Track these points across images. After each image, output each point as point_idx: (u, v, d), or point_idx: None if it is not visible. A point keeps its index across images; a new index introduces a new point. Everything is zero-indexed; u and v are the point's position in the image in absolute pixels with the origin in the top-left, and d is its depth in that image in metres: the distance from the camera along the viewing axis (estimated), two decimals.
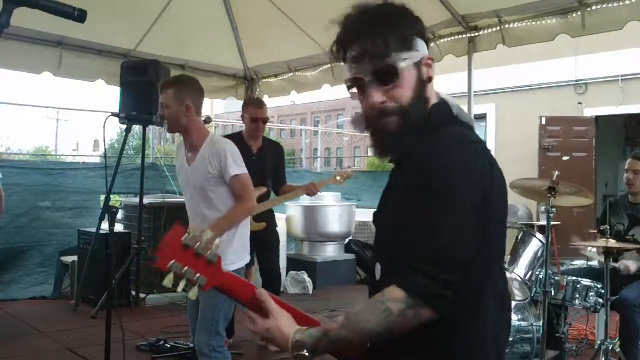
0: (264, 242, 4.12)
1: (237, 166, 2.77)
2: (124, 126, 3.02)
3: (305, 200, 7.11)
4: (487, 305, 1.23)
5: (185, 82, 2.88)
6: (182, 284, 1.27)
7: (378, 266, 1.28)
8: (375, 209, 1.36)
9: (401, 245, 1.16)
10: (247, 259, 2.94)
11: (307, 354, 1.19)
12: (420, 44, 1.26)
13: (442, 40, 4.83)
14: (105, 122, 2.95)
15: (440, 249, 1.11)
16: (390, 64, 1.21)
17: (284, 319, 1.25)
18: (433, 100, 1.28)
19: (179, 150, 2.99)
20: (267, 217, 4.21)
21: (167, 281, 1.26)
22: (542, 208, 7.28)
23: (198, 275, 1.26)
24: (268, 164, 4.22)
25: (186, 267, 1.26)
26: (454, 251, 1.11)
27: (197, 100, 2.84)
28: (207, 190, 2.78)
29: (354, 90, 1.27)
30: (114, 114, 3.10)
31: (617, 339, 3.45)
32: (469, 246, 1.13)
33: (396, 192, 1.26)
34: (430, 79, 1.27)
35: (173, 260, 1.26)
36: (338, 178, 4.46)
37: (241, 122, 4.35)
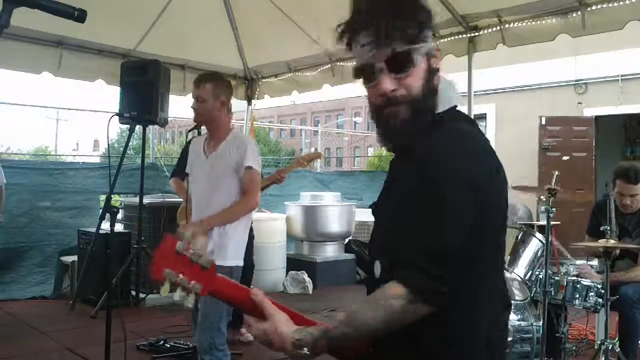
0: None
1: (254, 160, 2.87)
2: (124, 126, 3.05)
3: (305, 200, 7.12)
4: (480, 308, 1.23)
5: (222, 79, 3.02)
6: (178, 294, 1.26)
7: (378, 264, 1.27)
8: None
9: (402, 241, 1.16)
10: (242, 261, 2.95)
11: (307, 352, 1.17)
12: (429, 34, 1.23)
13: (442, 40, 4.82)
14: (109, 122, 2.97)
15: (438, 246, 1.12)
16: (406, 51, 1.18)
17: (281, 319, 1.22)
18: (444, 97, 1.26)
19: (193, 148, 3.09)
20: None
21: (164, 290, 1.26)
22: (542, 208, 7.27)
23: (193, 282, 1.26)
24: None
25: (181, 275, 1.25)
26: (448, 249, 1.12)
27: (229, 97, 2.99)
28: (222, 181, 2.85)
29: (361, 78, 1.24)
30: (117, 114, 3.12)
31: (616, 339, 3.45)
32: (462, 245, 1.13)
33: (397, 186, 1.26)
34: (437, 69, 1.24)
35: (167, 269, 1.26)
36: (302, 161, 4.38)
37: (241, 121, 4.38)
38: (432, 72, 1.22)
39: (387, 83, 1.19)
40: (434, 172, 1.13)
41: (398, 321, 1.14)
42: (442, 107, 1.24)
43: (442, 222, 1.13)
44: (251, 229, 4.39)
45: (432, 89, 1.22)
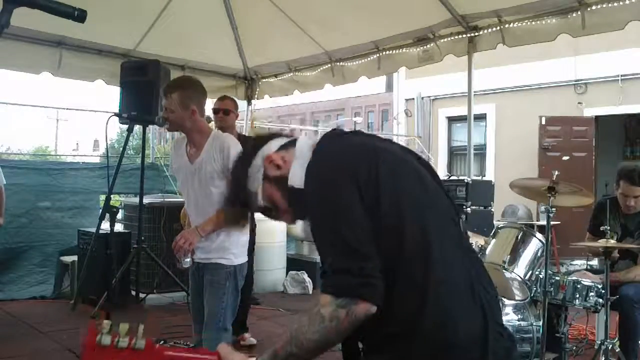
0: None
1: None
2: (124, 126, 3.03)
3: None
4: (446, 267, 1.26)
5: (190, 86, 2.86)
6: None
7: None
8: None
9: (320, 257, 1.29)
10: (247, 257, 2.96)
11: None
12: (258, 156, 1.44)
13: (442, 40, 4.82)
14: (107, 122, 2.95)
15: (339, 246, 1.20)
16: (259, 208, 1.46)
17: (236, 357, 1.32)
18: (303, 158, 1.40)
19: (176, 150, 2.99)
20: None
21: None
22: (542, 208, 7.27)
23: None
24: None
25: None
26: (351, 244, 1.19)
27: (201, 103, 2.85)
28: (211, 186, 2.80)
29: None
30: (116, 114, 3.10)
31: (616, 339, 3.45)
32: (360, 233, 1.20)
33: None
34: (279, 166, 1.41)
35: None
36: None
37: (241, 121, 4.39)
38: (275, 178, 1.42)
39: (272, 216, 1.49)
40: (309, 190, 1.31)
41: (335, 330, 1.18)
42: (300, 163, 1.39)
43: (335, 224, 1.22)
44: (253, 231, 4.39)
45: (286, 185, 1.40)
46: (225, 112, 4.27)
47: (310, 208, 1.30)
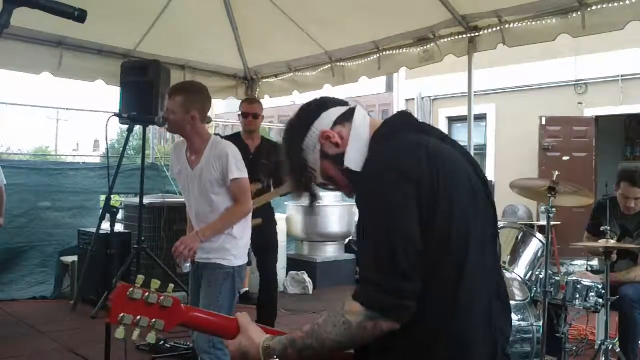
0: (261, 241, 4.08)
1: (237, 170, 2.81)
2: (124, 126, 3.03)
3: (305, 200, 7.12)
4: (470, 296, 1.22)
5: (194, 92, 2.86)
6: (135, 333, 1.29)
7: None
8: None
9: (361, 258, 1.26)
10: (247, 258, 2.98)
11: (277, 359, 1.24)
12: (312, 131, 1.39)
13: (442, 40, 4.82)
14: (107, 122, 2.95)
15: (384, 256, 1.16)
16: (306, 184, 1.45)
17: (252, 330, 1.31)
18: (360, 140, 1.37)
19: (176, 154, 3.00)
20: (265, 216, 4.15)
21: (118, 333, 1.28)
22: (542, 208, 7.28)
23: (154, 320, 1.29)
24: (264, 163, 4.24)
25: (139, 316, 1.28)
26: (397, 259, 1.15)
27: (203, 109, 2.85)
28: (210, 193, 2.81)
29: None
30: (116, 114, 3.10)
31: (616, 339, 3.45)
32: (410, 250, 1.16)
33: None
34: (337, 144, 1.38)
35: (122, 313, 1.28)
36: None
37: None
38: (332, 156, 1.39)
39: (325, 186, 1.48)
40: (362, 194, 1.28)
41: (358, 337, 1.18)
42: (358, 144, 1.38)
43: (384, 236, 1.17)
44: (275, 234, 4.41)
45: (341, 162, 1.38)
46: (255, 116, 4.31)
47: (363, 206, 1.26)
